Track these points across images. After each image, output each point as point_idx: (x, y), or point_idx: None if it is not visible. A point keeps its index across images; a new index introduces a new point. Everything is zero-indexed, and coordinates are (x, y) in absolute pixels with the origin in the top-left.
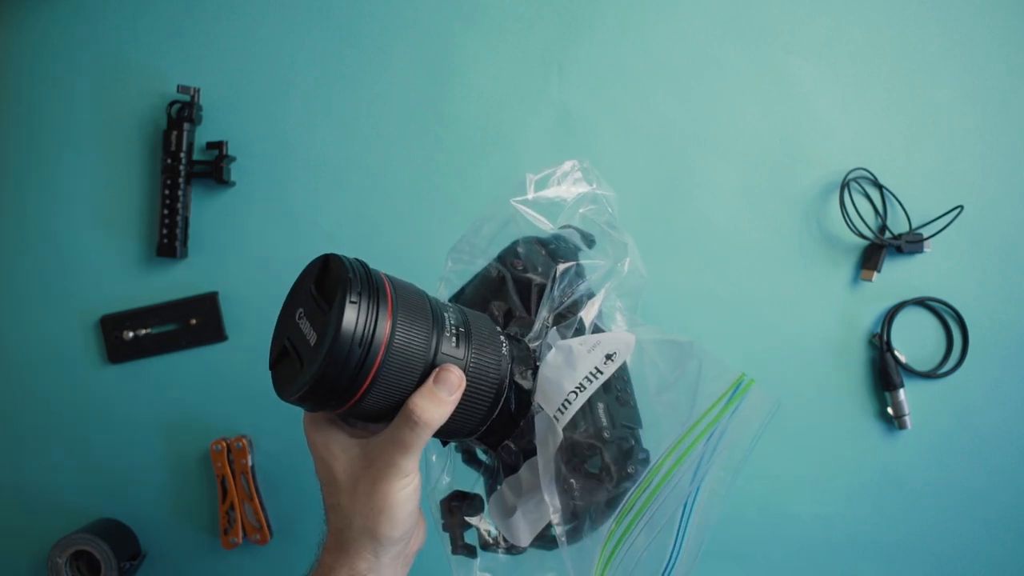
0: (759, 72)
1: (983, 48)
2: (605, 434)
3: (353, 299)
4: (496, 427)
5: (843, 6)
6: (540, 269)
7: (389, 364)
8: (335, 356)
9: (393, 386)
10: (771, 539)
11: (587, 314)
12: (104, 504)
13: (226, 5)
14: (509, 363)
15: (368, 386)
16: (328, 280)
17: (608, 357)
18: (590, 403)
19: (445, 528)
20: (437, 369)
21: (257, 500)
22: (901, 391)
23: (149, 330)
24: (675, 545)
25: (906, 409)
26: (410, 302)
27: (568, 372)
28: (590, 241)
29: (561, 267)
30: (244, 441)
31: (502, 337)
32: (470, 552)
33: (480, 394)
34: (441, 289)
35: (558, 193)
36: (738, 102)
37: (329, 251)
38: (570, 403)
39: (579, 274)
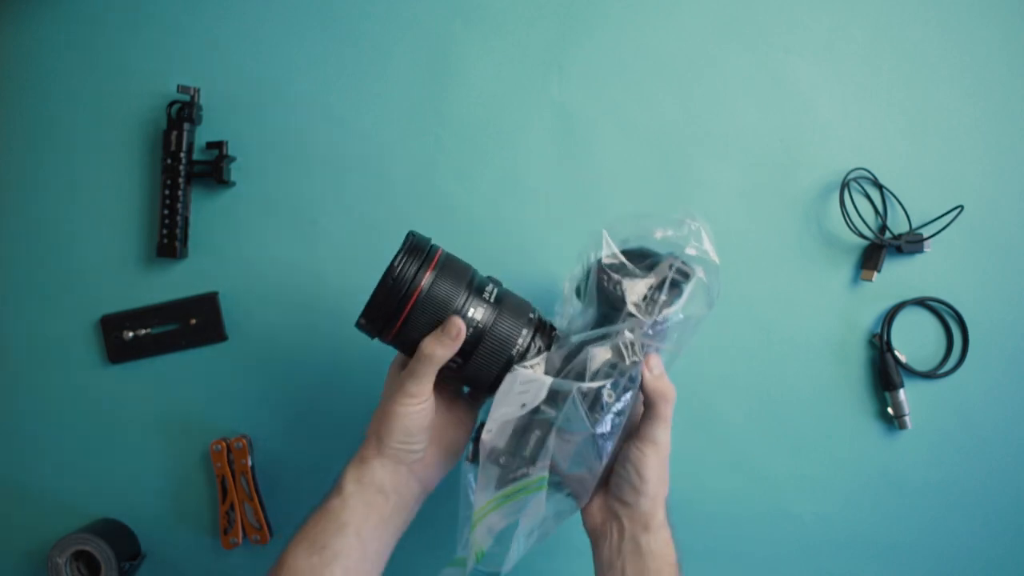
0: (759, 72)
1: (983, 48)
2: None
3: (404, 254)
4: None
5: (843, 6)
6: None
7: (423, 304)
8: (383, 287)
9: (425, 322)
10: (771, 539)
11: (596, 356)
12: (104, 504)
13: (226, 5)
14: (528, 339)
15: (406, 316)
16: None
17: (523, 405)
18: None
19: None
20: (446, 320)
21: (257, 500)
22: (901, 391)
23: (149, 330)
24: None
25: (906, 409)
26: (454, 268)
27: (505, 398)
28: (684, 276)
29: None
30: (244, 441)
31: (532, 316)
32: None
33: (492, 353)
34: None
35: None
36: (738, 102)
37: (329, 251)
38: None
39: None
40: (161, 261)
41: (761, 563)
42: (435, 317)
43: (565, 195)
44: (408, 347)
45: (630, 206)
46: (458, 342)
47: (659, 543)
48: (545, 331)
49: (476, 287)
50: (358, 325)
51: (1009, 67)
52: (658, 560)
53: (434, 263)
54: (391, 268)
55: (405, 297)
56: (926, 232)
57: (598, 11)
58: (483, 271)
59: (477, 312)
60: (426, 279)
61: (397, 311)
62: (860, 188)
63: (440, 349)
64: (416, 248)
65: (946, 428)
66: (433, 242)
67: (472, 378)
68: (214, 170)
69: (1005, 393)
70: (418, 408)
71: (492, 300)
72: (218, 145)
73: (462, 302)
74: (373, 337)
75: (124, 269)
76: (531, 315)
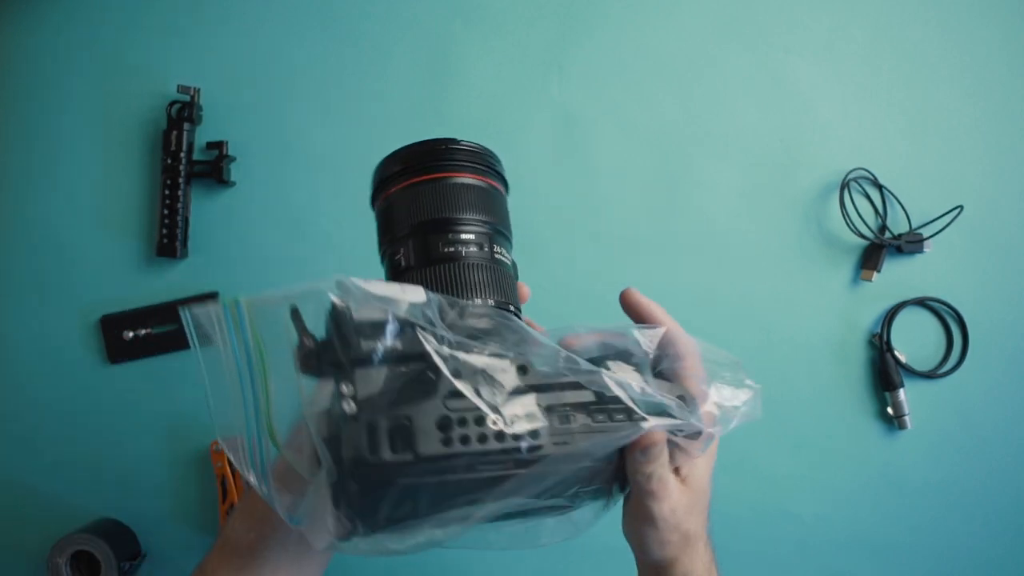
0: (759, 72)
1: (983, 48)
2: None
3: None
4: None
5: (843, 6)
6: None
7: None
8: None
9: (411, 210)
10: (771, 539)
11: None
12: (104, 504)
13: (226, 5)
14: None
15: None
16: None
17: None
18: None
19: None
20: None
21: None
22: (901, 391)
23: (149, 330)
24: None
25: (906, 409)
26: (490, 198)
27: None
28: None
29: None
30: None
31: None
32: None
33: None
34: None
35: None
36: (738, 102)
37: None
38: None
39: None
40: (161, 261)
41: (761, 563)
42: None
43: (565, 195)
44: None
45: (629, 206)
46: None
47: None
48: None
49: (493, 230)
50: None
51: (1009, 67)
52: None
53: (486, 177)
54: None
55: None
56: (926, 232)
57: (598, 11)
58: None
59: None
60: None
61: (398, 177)
62: (860, 188)
63: None
64: (490, 160)
65: (946, 428)
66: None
67: None
68: (214, 170)
69: (1005, 393)
70: None
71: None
72: (218, 145)
73: (463, 220)
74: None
75: (124, 269)
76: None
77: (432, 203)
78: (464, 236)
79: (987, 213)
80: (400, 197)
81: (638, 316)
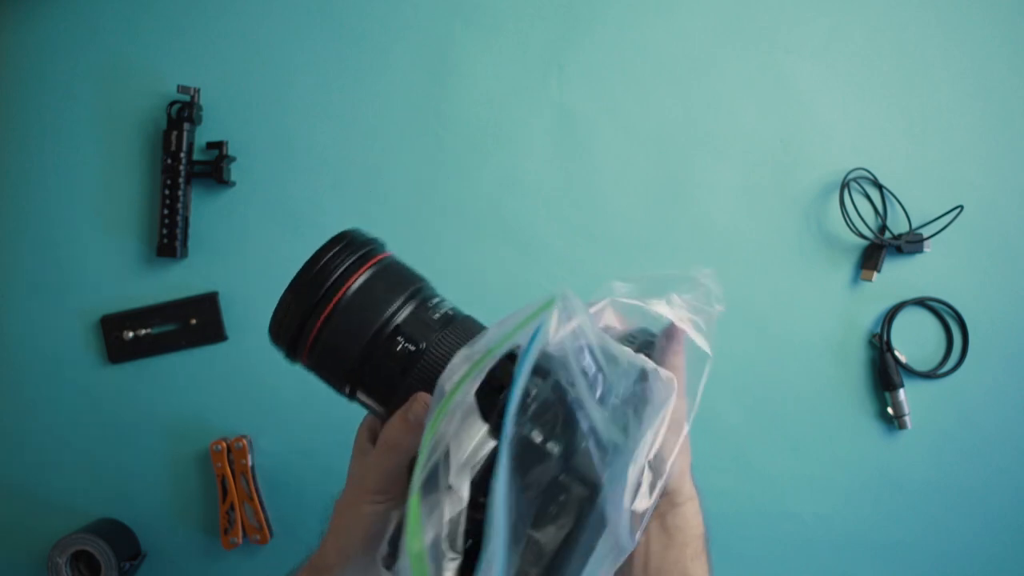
0: (759, 72)
1: (983, 48)
2: None
3: (335, 245)
4: None
5: (843, 6)
6: None
7: (345, 308)
8: (298, 281)
9: (345, 334)
10: (771, 539)
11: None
12: (104, 504)
13: (226, 5)
14: None
15: (323, 321)
16: None
17: None
18: None
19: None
20: (411, 398)
21: (257, 500)
22: (901, 391)
23: (149, 330)
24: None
25: (906, 409)
26: (396, 272)
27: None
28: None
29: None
30: (244, 441)
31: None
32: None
33: (424, 382)
34: None
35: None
36: (738, 102)
37: None
38: None
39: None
40: (161, 261)
41: (761, 563)
42: (360, 325)
43: (565, 195)
44: (330, 373)
45: (629, 206)
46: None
47: (684, 517)
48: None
49: (421, 299)
50: (270, 334)
51: (1009, 67)
52: (683, 533)
53: (371, 263)
54: (315, 257)
55: (322, 301)
56: (926, 232)
57: (598, 11)
58: (483, 272)
59: (411, 340)
60: (355, 277)
61: (312, 313)
62: (860, 188)
63: (408, 436)
64: (355, 244)
65: (946, 428)
66: (385, 245)
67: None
68: (214, 170)
69: (1005, 393)
70: (389, 507)
71: (437, 317)
72: (218, 145)
73: (403, 309)
74: (289, 356)
75: (124, 269)
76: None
77: (360, 321)
78: (403, 328)
79: (987, 213)
80: (328, 336)
81: (664, 354)
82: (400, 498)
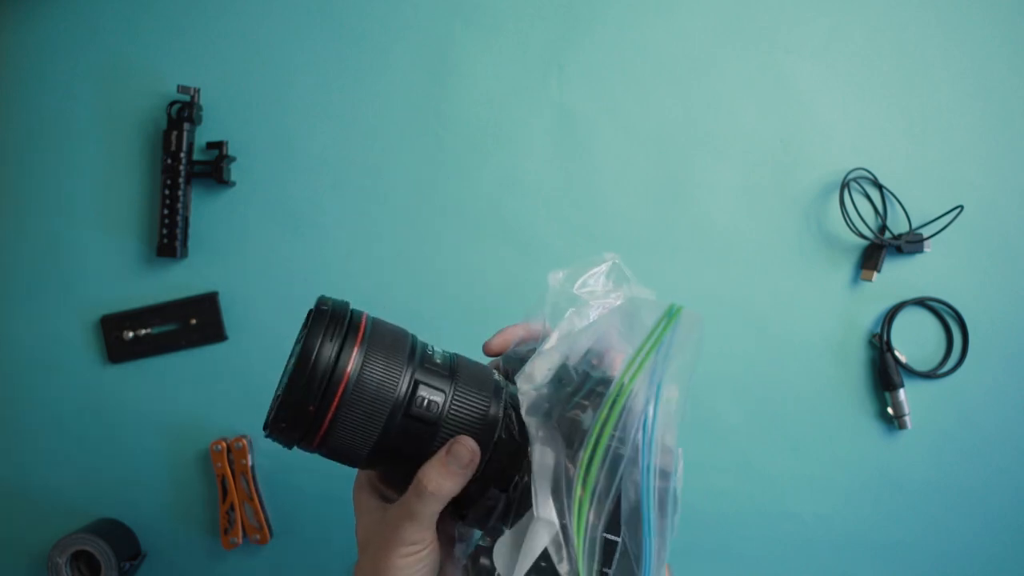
0: (759, 72)
1: (983, 48)
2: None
3: (318, 330)
4: (500, 462)
5: (843, 6)
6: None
7: (355, 394)
8: (295, 382)
9: (360, 419)
10: (771, 539)
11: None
12: (104, 504)
13: (226, 5)
14: (501, 400)
15: (332, 417)
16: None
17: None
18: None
19: None
20: (451, 441)
21: (257, 500)
22: (901, 391)
23: (149, 330)
24: (644, 468)
25: (906, 409)
26: (384, 337)
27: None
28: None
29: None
30: (244, 441)
31: (496, 376)
32: None
33: (468, 429)
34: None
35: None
36: (738, 102)
37: (329, 251)
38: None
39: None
40: (161, 261)
41: (761, 563)
42: (374, 409)
43: (565, 195)
44: (342, 455)
45: (629, 206)
46: (471, 469)
47: None
48: (508, 396)
49: (420, 358)
50: (267, 434)
51: (1009, 67)
52: None
53: (360, 335)
54: (304, 353)
55: (329, 390)
56: (926, 232)
57: (598, 11)
58: (483, 272)
59: (433, 394)
60: (353, 359)
61: (320, 412)
62: (860, 188)
63: (449, 482)
64: (333, 319)
65: (946, 428)
66: (352, 306)
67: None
68: (214, 170)
69: (1005, 393)
70: (420, 556)
71: (446, 372)
72: (218, 145)
73: (406, 383)
74: (290, 447)
75: (124, 269)
76: (496, 380)
77: (370, 396)
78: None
79: (987, 213)
80: (342, 419)
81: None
82: (434, 544)
